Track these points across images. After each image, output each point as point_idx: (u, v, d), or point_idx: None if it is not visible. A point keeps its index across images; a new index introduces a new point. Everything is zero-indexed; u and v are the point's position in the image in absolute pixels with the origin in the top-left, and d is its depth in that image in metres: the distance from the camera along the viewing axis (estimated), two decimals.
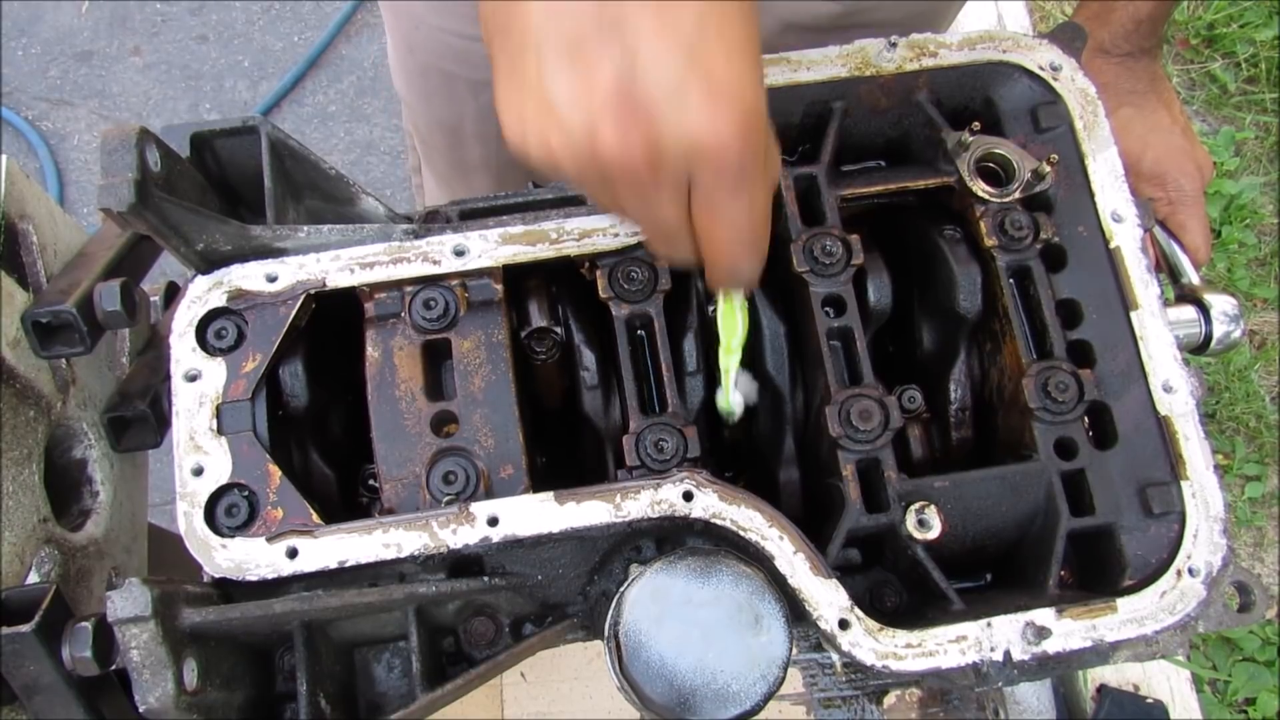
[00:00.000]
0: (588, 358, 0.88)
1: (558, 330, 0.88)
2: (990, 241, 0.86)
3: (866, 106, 0.91)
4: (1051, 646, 0.76)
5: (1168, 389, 0.82)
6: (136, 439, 0.99)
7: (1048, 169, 0.86)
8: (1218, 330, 0.96)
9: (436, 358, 0.85)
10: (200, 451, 0.79)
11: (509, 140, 0.65)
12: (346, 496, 0.89)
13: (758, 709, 0.71)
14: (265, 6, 3.10)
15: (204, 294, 0.82)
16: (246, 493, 0.78)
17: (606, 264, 0.85)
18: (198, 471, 0.78)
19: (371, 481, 0.86)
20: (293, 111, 3.00)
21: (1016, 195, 0.87)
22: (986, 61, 0.90)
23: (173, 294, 1.05)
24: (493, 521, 0.76)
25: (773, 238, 0.88)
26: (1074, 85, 0.90)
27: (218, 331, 0.82)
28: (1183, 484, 0.81)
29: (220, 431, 0.79)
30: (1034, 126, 0.90)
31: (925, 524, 0.79)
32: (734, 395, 0.84)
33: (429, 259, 0.83)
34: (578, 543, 0.80)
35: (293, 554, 0.75)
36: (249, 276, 0.83)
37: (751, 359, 0.91)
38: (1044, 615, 0.76)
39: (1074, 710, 1.33)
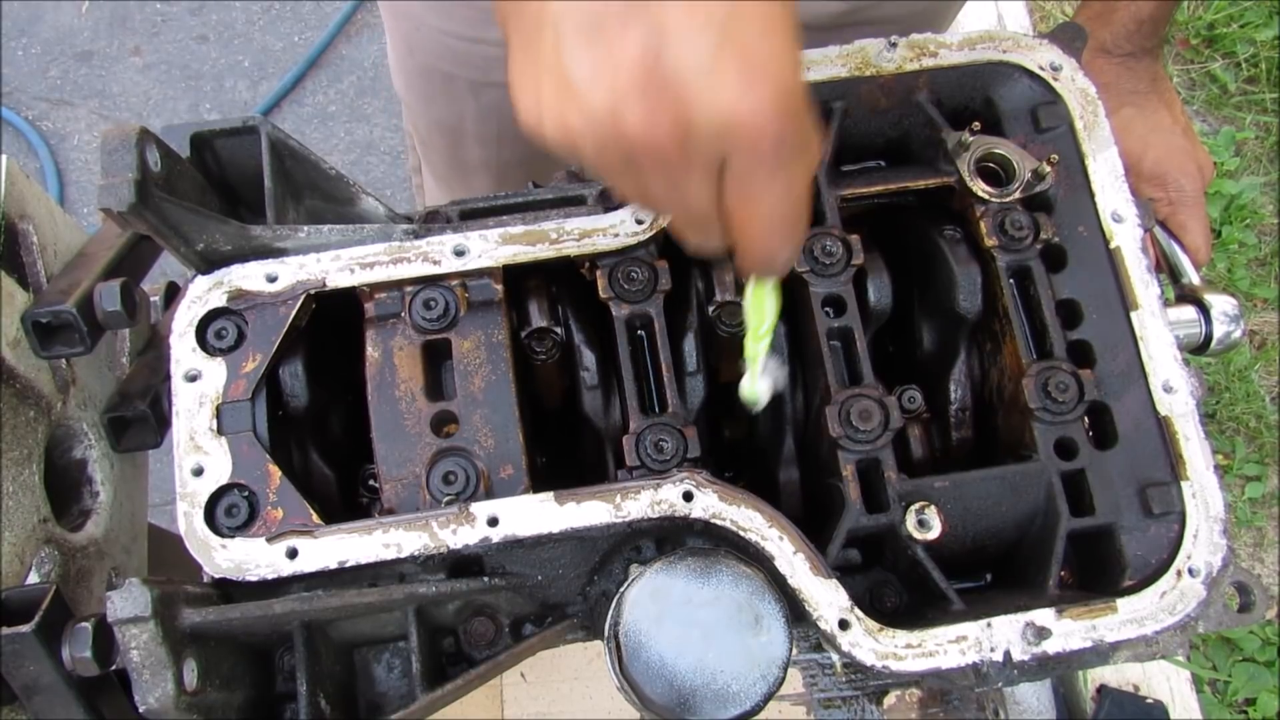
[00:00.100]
0: (588, 358, 0.88)
1: (558, 330, 0.88)
2: (990, 241, 0.86)
3: (866, 106, 0.91)
4: (1051, 647, 0.76)
5: (1168, 389, 0.82)
6: (136, 439, 0.99)
7: (1048, 169, 0.86)
8: (1218, 330, 0.96)
9: (436, 358, 0.85)
10: (200, 452, 0.79)
11: (524, 122, 0.62)
12: (346, 497, 0.89)
13: (758, 709, 0.71)
14: (265, 6, 3.10)
15: (204, 294, 0.82)
16: (246, 493, 0.78)
17: (606, 264, 0.85)
18: (198, 471, 0.78)
19: (371, 482, 0.86)
20: (293, 111, 3.00)
21: (1016, 195, 0.87)
22: (986, 61, 0.90)
23: (173, 294, 1.05)
24: (493, 522, 0.76)
25: None
26: (1074, 85, 0.90)
27: (218, 331, 0.82)
28: (1183, 484, 0.81)
29: (220, 432, 0.79)
30: (1034, 126, 0.90)
31: (925, 524, 0.79)
32: (761, 383, 0.81)
33: (429, 259, 0.83)
34: (578, 543, 0.80)
35: (293, 554, 0.75)
36: (249, 276, 0.83)
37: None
38: (1044, 615, 0.76)
39: (1074, 710, 1.33)
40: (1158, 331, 0.84)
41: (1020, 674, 0.76)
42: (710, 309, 0.88)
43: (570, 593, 0.82)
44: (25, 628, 0.70)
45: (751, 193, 0.61)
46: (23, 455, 0.88)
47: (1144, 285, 0.85)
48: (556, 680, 1.41)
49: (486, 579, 0.79)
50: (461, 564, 0.80)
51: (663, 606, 0.72)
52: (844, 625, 0.75)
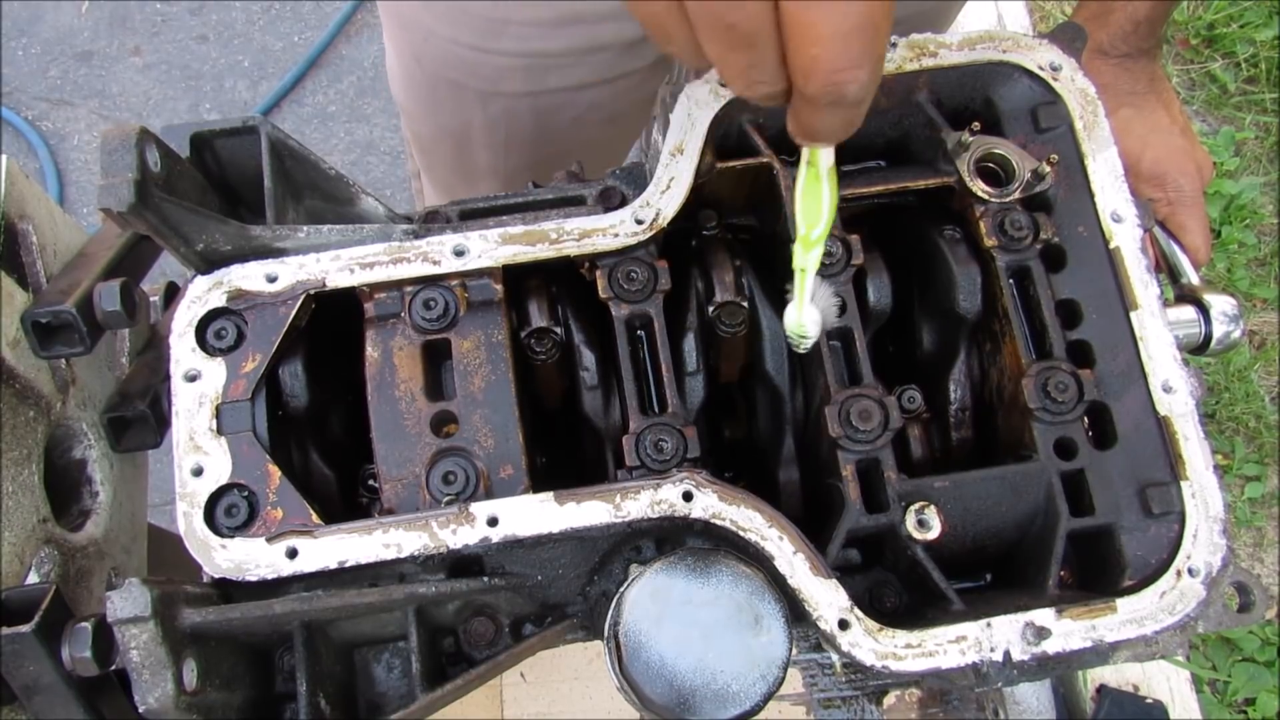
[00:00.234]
0: (588, 358, 0.88)
1: (558, 330, 0.88)
2: (990, 242, 0.86)
3: None
4: (1051, 647, 0.76)
5: (1167, 389, 0.82)
6: (136, 439, 0.99)
7: (1048, 169, 0.86)
8: (1218, 330, 0.96)
9: (436, 358, 0.85)
10: (200, 452, 0.79)
11: None
12: (346, 497, 0.89)
13: (758, 709, 0.71)
14: (265, 6, 3.10)
15: (204, 294, 0.82)
16: (246, 493, 0.78)
17: (606, 264, 0.85)
18: (197, 472, 0.78)
19: (371, 482, 0.86)
20: (293, 111, 3.00)
21: (1016, 195, 0.87)
22: (986, 61, 0.90)
23: (173, 294, 1.05)
24: (492, 522, 0.76)
25: (776, 237, 0.89)
26: (1074, 85, 0.90)
27: (218, 331, 0.82)
28: (1182, 484, 0.81)
29: (220, 432, 0.79)
30: (1034, 126, 0.90)
31: (925, 524, 0.79)
32: (809, 310, 0.68)
33: (429, 259, 0.83)
34: (578, 543, 0.80)
35: (292, 554, 0.75)
36: (249, 276, 0.83)
37: (754, 356, 0.91)
38: (1044, 615, 0.76)
39: (1074, 710, 1.33)
40: (1157, 331, 0.84)
41: (1020, 674, 0.76)
42: (710, 309, 0.88)
43: (570, 593, 0.82)
44: (25, 628, 0.70)
45: None
46: (23, 455, 0.88)
47: (1144, 285, 0.85)
48: (556, 680, 1.41)
49: (486, 579, 0.79)
50: (461, 564, 0.80)
51: (663, 606, 0.72)
52: (844, 625, 0.75)
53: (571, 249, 0.84)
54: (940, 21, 1.39)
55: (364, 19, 3.10)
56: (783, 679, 0.72)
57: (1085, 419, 0.83)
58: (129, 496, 1.04)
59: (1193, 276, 1.09)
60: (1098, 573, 0.83)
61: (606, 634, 0.74)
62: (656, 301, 0.84)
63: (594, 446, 0.89)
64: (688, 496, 0.77)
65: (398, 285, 0.84)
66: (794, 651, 0.73)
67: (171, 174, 0.79)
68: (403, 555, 0.75)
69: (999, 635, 0.76)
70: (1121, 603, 0.77)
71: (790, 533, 0.76)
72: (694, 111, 0.85)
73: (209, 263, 0.83)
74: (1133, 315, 0.84)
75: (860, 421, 0.80)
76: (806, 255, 0.65)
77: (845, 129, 0.57)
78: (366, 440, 0.82)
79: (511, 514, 0.76)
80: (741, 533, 0.76)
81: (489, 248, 0.84)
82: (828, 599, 0.75)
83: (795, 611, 0.75)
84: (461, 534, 0.76)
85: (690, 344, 0.88)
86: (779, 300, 0.89)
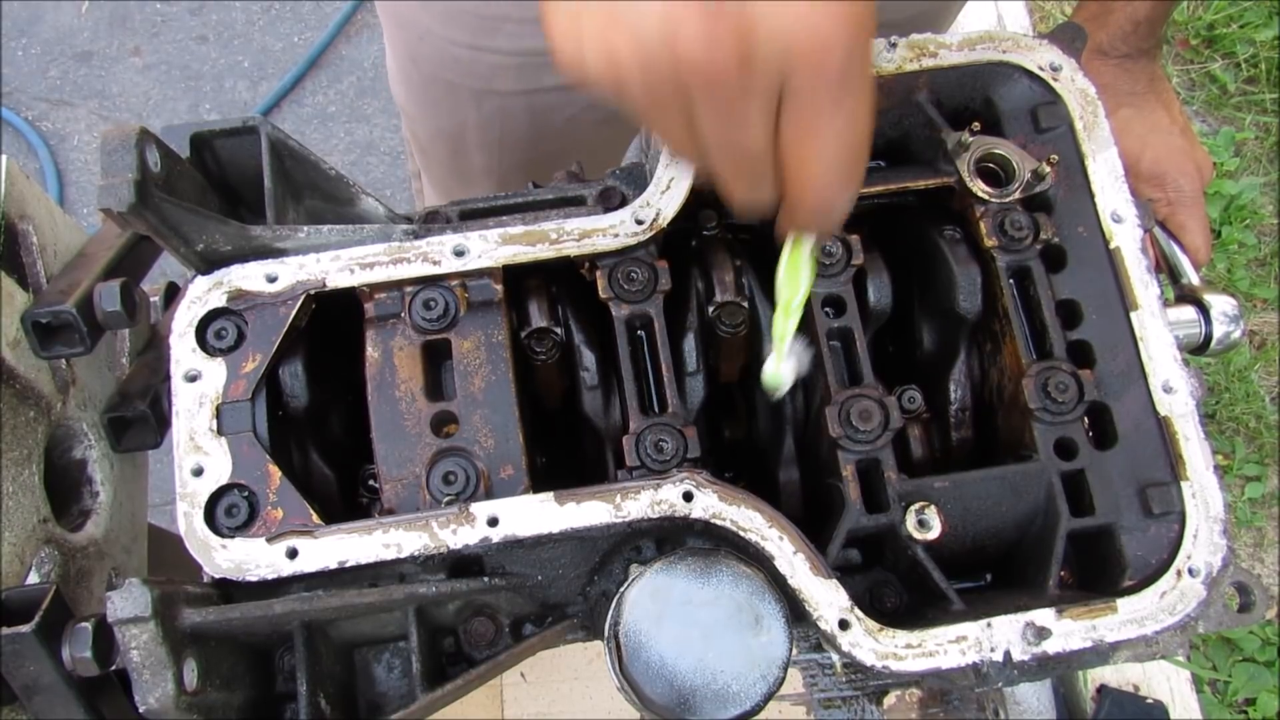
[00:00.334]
0: (588, 358, 0.88)
1: (558, 330, 0.88)
2: (990, 242, 0.86)
3: None
4: (1051, 647, 0.76)
5: (1168, 389, 0.82)
6: (136, 439, 0.99)
7: (1048, 169, 0.86)
8: (1218, 330, 0.96)
9: (436, 358, 0.85)
10: (200, 452, 0.79)
11: (560, 58, 0.57)
12: (347, 497, 0.89)
13: (758, 709, 0.71)
14: (265, 6, 3.10)
15: (204, 294, 0.82)
16: (246, 493, 0.78)
17: (606, 264, 0.85)
18: (198, 472, 0.78)
19: (371, 482, 0.86)
20: (293, 111, 3.00)
21: (1016, 195, 0.87)
22: (986, 62, 0.90)
23: (173, 294, 1.05)
24: (493, 522, 0.76)
25: (774, 237, 0.89)
26: (1074, 85, 0.90)
27: (218, 332, 0.82)
28: (1183, 484, 0.81)
29: (220, 432, 0.79)
30: (1034, 127, 0.90)
31: (925, 524, 0.79)
32: (785, 365, 0.75)
33: (429, 259, 0.83)
34: (578, 543, 0.80)
35: (293, 554, 0.75)
36: (249, 277, 0.83)
37: (754, 356, 0.91)
38: (1044, 615, 0.76)
39: (1074, 710, 1.33)
40: (1158, 332, 0.84)
41: (1020, 674, 0.76)
42: (710, 309, 0.88)
43: (570, 593, 0.82)
44: (25, 628, 0.70)
45: (813, 125, 0.56)
46: (23, 455, 0.88)
47: (1144, 285, 0.85)
48: (556, 680, 1.41)
49: (486, 579, 0.79)
50: (461, 564, 0.80)
51: (663, 606, 0.72)
52: (844, 625, 0.75)
53: (571, 249, 0.84)
54: (940, 22, 1.39)
55: (364, 19, 3.10)
56: (783, 679, 0.72)
57: (1085, 419, 0.83)
58: (129, 496, 1.04)
59: (1193, 277, 1.09)
60: (1098, 573, 0.83)
61: (606, 634, 0.74)
62: (656, 301, 0.84)
63: (594, 446, 0.89)
64: (688, 497, 0.77)
65: (398, 285, 0.84)
66: (794, 651, 0.73)
67: (171, 174, 0.79)
68: (403, 555, 0.75)
69: (999, 635, 0.76)
70: (1122, 603, 0.77)
71: (790, 533, 0.76)
72: None
73: (209, 263, 0.83)
74: (1133, 315, 0.84)
75: (860, 421, 0.80)
76: (786, 322, 0.72)
77: (830, 231, 0.66)
78: (366, 440, 0.82)
79: (511, 514, 0.76)
80: (742, 533, 0.76)
81: (489, 248, 0.84)
82: (828, 599, 0.75)
83: (795, 611, 0.75)
84: (461, 534, 0.76)
85: (690, 344, 0.88)
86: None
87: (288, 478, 0.79)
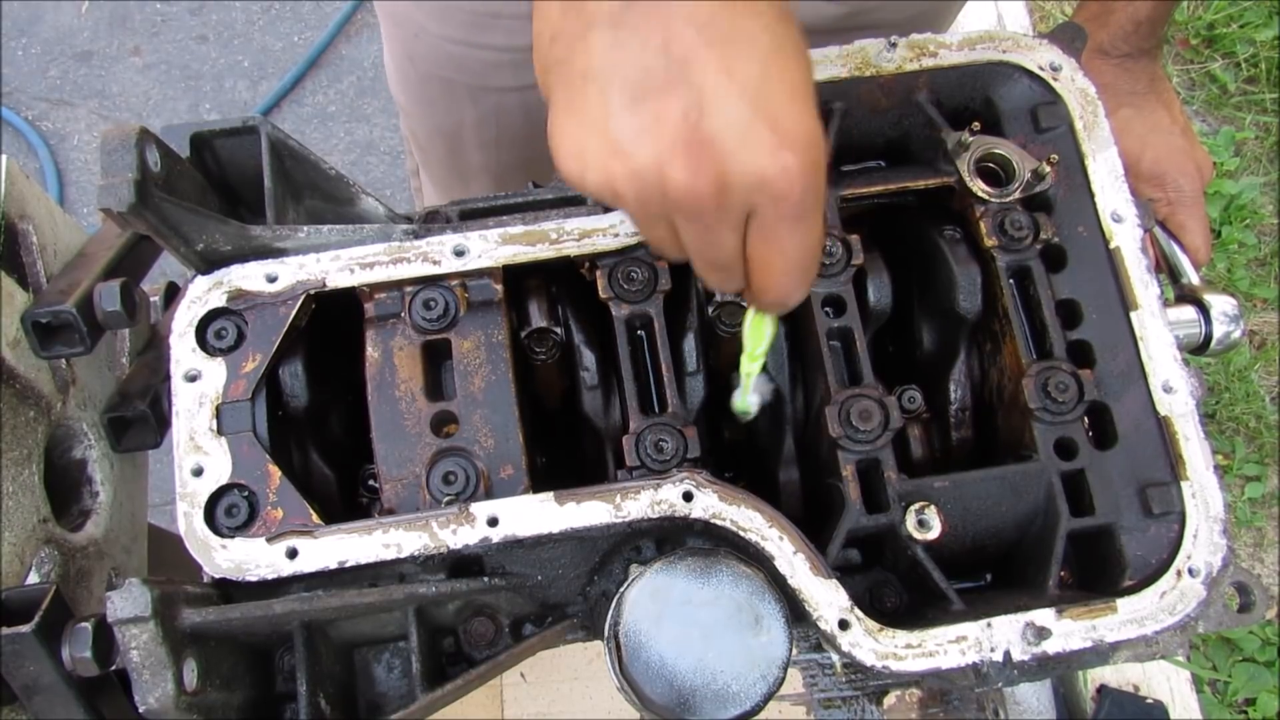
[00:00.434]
0: (588, 358, 0.88)
1: (558, 330, 0.88)
2: (990, 241, 0.86)
3: (866, 106, 0.91)
4: (1051, 647, 0.76)
5: (1168, 389, 0.82)
6: (136, 439, 0.99)
7: (1048, 169, 0.86)
8: (1218, 330, 0.96)
9: (436, 358, 0.85)
10: (200, 452, 0.79)
11: (563, 171, 0.67)
12: (346, 497, 0.89)
13: (758, 709, 0.71)
14: (265, 6, 3.10)
15: (204, 294, 0.82)
16: (246, 493, 0.78)
17: (606, 264, 0.85)
18: (198, 472, 0.78)
19: (371, 482, 0.86)
20: (293, 111, 2.99)
21: (1016, 195, 0.87)
22: (986, 61, 0.90)
23: (173, 294, 1.05)
24: (493, 522, 0.76)
25: None
26: (1074, 85, 0.90)
27: (218, 332, 0.82)
28: (1183, 484, 0.81)
29: (220, 432, 0.79)
30: (1034, 126, 0.90)
31: (925, 524, 0.79)
32: (751, 397, 0.85)
33: (429, 259, 0.83)
34: (578, 543, 0.80)
35: (293, 554, 0.75)
36: (249, 276, 0.83)
37: None
38: (1044, 615, 0.76)
39: (1074, 710, 1.33)
40: (1157, 331, 0.84)
41: (1020, 674, 0.76)
42: (710, 309, 0.88)
43: (570, 593, 0.82)
44: (25, 628, 0.70)
45: (775, 241, 0.67)
46: (23, 455, 0.88)
47: (1144, 285, 0.85)
48: (556, 680, 1.41)
49: (486, 579, 0.79)
50: (461, 564, 0.80)
51: (663, 606, 0.72)
52: (844, 625, 0.75)
53: (571, 249, 0.84)
54: (940, 22, 1.39)
55: (364, 19, 3.10)
56: (783, 679, 0.72)
57: (1085, 419, 0.83)
58: (129, 496, 1.04)
59: (1193, 276, 1.09)
60: (1098, 573, 0.83)
61: (606, 634, 0.74)
62: (656, 301, 0.84)
63: (594, 446, 0.89)
64: (688, 496, 0.77)
65: (398, 285, 0.84)
66: (794, 651, 0.73)
67: (171, 174, 0.79)
68: (403, 555, 0.75)
69: (999, 635, 0.76)
70: (1122, 603, 0.77)
71: (790, 533, 0.76)
72: None
73: (209, 263, 0.83)
74: (1133, 315, 0.84)
75: (860, 421, 0.80)
76: (750, 365, 0.80)
77: (788, 310, 0.76)
78: (366, 440, 0.82)
79: (511, 514, 0.76)
80: (742, 533, 0.76)
81: (489, 248, 0.84)
82: (828, 599, 0.75)
83: (795, 611, 0.75)
84: (461, 534, 0.76)
85: (690, 344, 0.88)
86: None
87: (288, 478, 0.79)
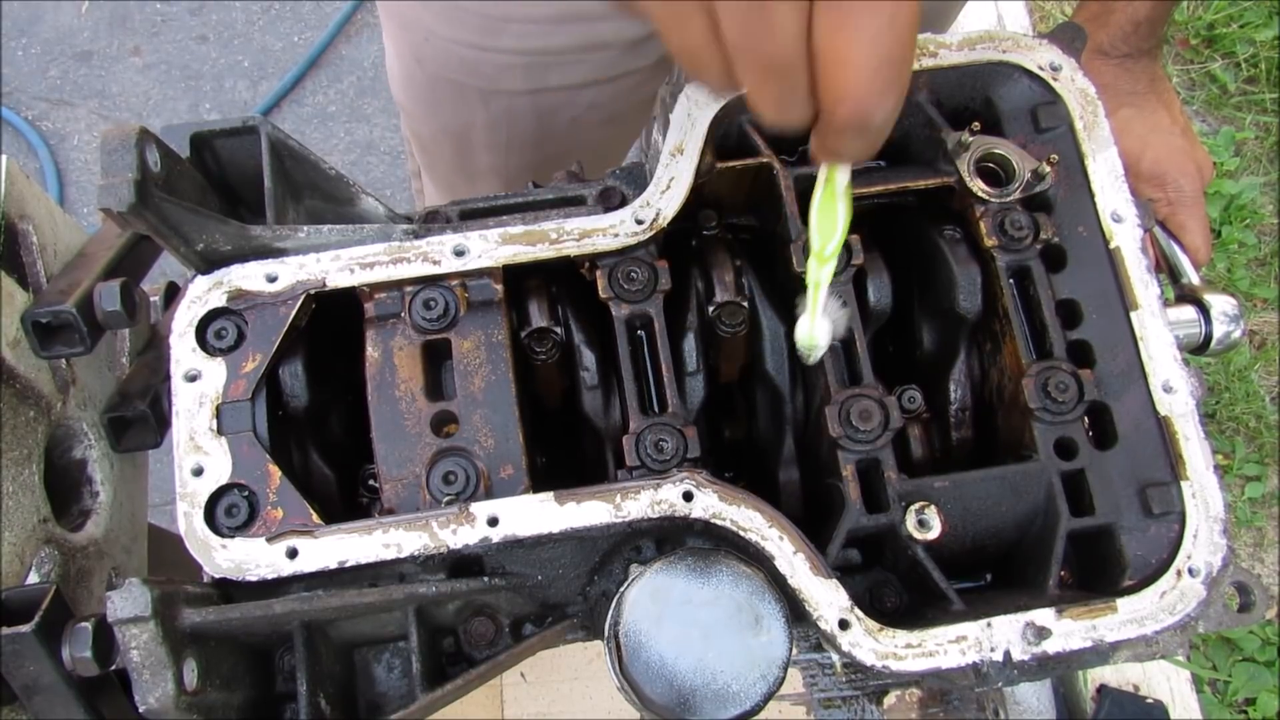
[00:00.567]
0: (588, 358, 0.88)
1: (558, 330, 0.88)
2: (990, 241, 0.86)
3: None
4: (1051, 647, 0.76)
5: (1168, 389, 0.82)
6: (136, 439, 0.99)
7: (1048, 169, 0.86)
8: (1218, 330, 0.96)
9: (436, 358, 0.85)
10: (200, 451, 0.79)
11: None
12: (347, 496, 0.89)
13: (758, 709, 0.71)
14: (265, 6, 3.10)
15: (204, 294, 0.82)
16: (246, 493, 0.78)
17: (606, 264, 0.85)
18: (198, 471, 0.78)
19: (371, 482, 0.86)
20: (293, 111, 3.00)
21: (1016, 195, 0.87)
22: (986, 61, 0.90)
23: (173, 294, 1.05)
24: (493, 522, 0.76)
25: (776, 237, 0.89)
26: (1074, 85, 0.90)
27: (218, 331, 0.82)
28: (1183, 484, 0.81)
29: (220, 432, 0.79)
30: (1034, 126, 0.90)
31: (925, 524, 0.79)
32: (820, 323, 0.69)
33: (429, 259, 0.83)
34: (578, 543, 0.80)
35: (293, 554, 0.75)
36: (249, 276, 0.83)
37: (754, 356, 0.91)
38: (1044, 615, 0.76)
39: (1074, 710, 1.33)
40: (1158, 331, 0.84)
41: (1020, 674, 0.76)
42: (710, 309, 0.88)
43: (570, 593, 0.82)
44: (25, 628, 0.70)
45: (852, 17, 0.50)
46: (23, 455, 0.88)
47: (1144, 285, 0.85)
48: (556, 680, 1.41)
49: (486, 579, 0.79)
50: (461, 564, 0.80)
51: (663, 606, 0.72)
52: (844, 625, 0.75)
53: (571, 249, 0.84)
54: (940, 21, 1.39)
55: (364, 19, 3.10)
56: (783, 679, 0.72)
57: (1085, 419, 0.83)
58: (129, 496, 1.04)
59: (1193, 276, 1.09)
60: (1098, 573, 0.83)
61: (606, 634, 0.74)
62: (656, 301, 0.84)
63: (594, 446, 0.89)
64: (688, 496, 0.77)
65: (398, 285, 0.84)
66: (794, 651, 0.73)
67: (171, 174, 0.79)
68: (403, 555, 0.75)
69: (999, 635, 0.76)
70: (1122, 603, 0.77)
71: (790, 533, 0.76)
72: (694, 111, 0.85)
73: (209, 263, 0.83)
74: (1133, 315, 0.84)
75: (860, 421, 0.80)
76: (820, 270, 0.66)
77: (867, 151, 0.60)
78: (366, 440, 0.82)
79: (512, 514, 0.76)
80: (742, 533, 0.76)
81: (489, 248, 0.84)
82: (828, 599, 0.75)
83: (795, 611, 0.75)
84: (461, 534, 0.76)
85: (690, 344, 0.88)
86: (779, 300, 0.89)
87: (288, 478, 0.79)
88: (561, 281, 0.89)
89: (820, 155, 0.62)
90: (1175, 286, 1.09)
